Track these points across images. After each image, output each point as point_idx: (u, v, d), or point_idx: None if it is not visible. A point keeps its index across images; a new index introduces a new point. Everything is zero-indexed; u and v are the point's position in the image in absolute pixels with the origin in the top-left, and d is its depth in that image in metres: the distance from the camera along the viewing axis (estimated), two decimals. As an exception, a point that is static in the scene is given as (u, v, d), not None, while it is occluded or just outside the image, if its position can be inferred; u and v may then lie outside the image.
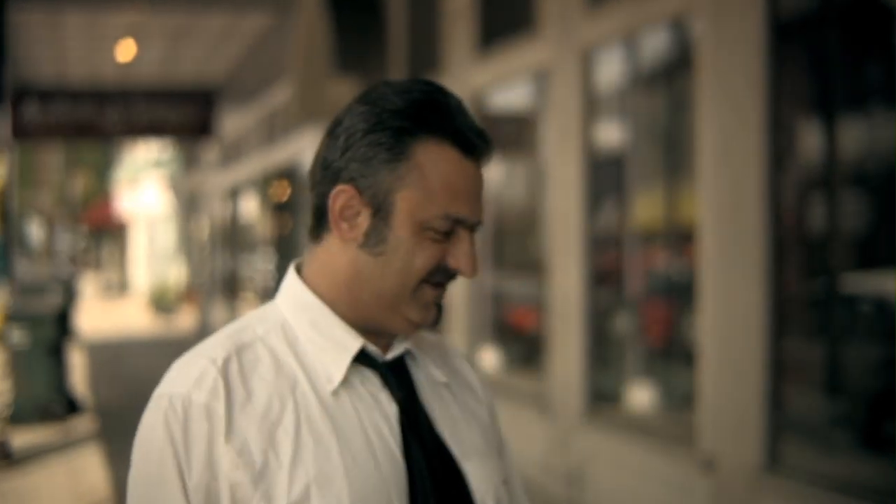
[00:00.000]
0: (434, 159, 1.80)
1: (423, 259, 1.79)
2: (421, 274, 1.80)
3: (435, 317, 1.83)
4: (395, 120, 1.79)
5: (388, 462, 1.80)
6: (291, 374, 1.82)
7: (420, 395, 1.90)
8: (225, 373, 1.81)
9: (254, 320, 1.93)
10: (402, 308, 1.82)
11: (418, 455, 1.83)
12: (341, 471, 1.75)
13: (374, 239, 1.80)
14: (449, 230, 1.81)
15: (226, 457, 1.74)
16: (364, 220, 1.81)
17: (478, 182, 1.88)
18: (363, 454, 1.78)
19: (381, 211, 1.79)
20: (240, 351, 1.86)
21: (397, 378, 1.87)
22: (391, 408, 1.84)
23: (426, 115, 1.80)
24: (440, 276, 1.82)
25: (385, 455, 1.80)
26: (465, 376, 2.05)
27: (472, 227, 1.84)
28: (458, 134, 1.82)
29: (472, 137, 1.84)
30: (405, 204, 1.78)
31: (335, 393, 1.81)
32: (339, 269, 1.86)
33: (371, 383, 1.85)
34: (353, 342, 1.84)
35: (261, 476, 1.73)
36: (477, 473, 1.90)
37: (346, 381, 1.83)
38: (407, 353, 1.91)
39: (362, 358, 1.85)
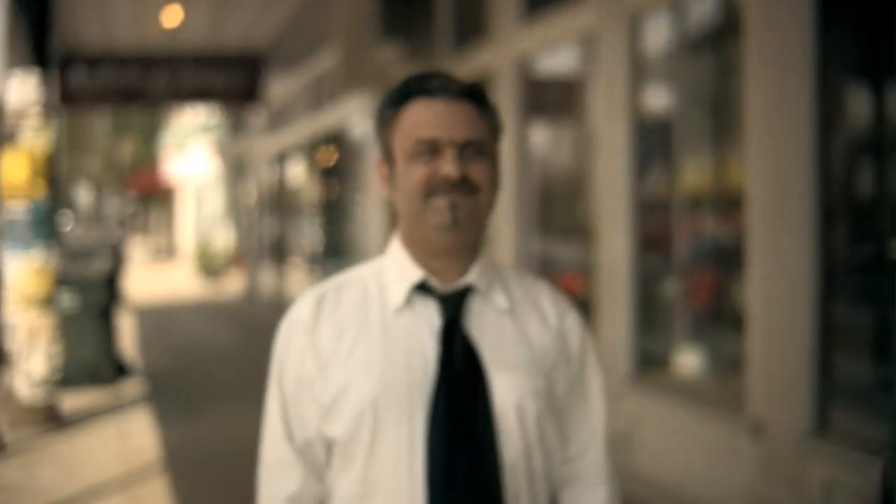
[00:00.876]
0: (409, 110, 2.40)
1: (416, 175, 2.34)
2: (420, 187, 2.34)
3: (451, 220, 2.31)
4: (386, 103, 2.44)
5: (420, 369, 2.33)
6: (371, 299, 2.43)
7: (469, 318, 2.40)
8: (322, 298, 2.47)
9: (363, 267, 2.54)
10: (424, 220, 2.35)
11: (448, 365, 2.31)
12: (377, 372, 2.33)
13: (392, 181, 2.42)
14: (431, 150, 2.35)
15: (308, 350, 2.42)
16: (387, 172, 2.45)
17: (449, 112, 2.38)
18: (400, 361, 2.34)
19: (389, 160, 2.43)
20: (339, 286, 2.49)
21: (451, 304, 2.38)
22: (438, 326, 2.36)
23: (405, 90, 2.42)
24: (440, 185, 2.33)
25: (419, 363, 2.33)
26: (541, 306, 2.50)
27: (457, 146, 2.35)
28: (424, 87, 2.41)
29: (436, 84, 2.41)
30: (397, 146, 2.40)
31: (397, 312, 2.39)
32: (398, 217, 2.44)
33: (428, 307, 2.39)
34: (415, 274, 2.40)
35: (325, 366, 2.39)
36: (505, 384, 2.34)
37: (408, 305, 2.40)
38: (470, 287, 2.41)
39: (425, 289, 2.40)
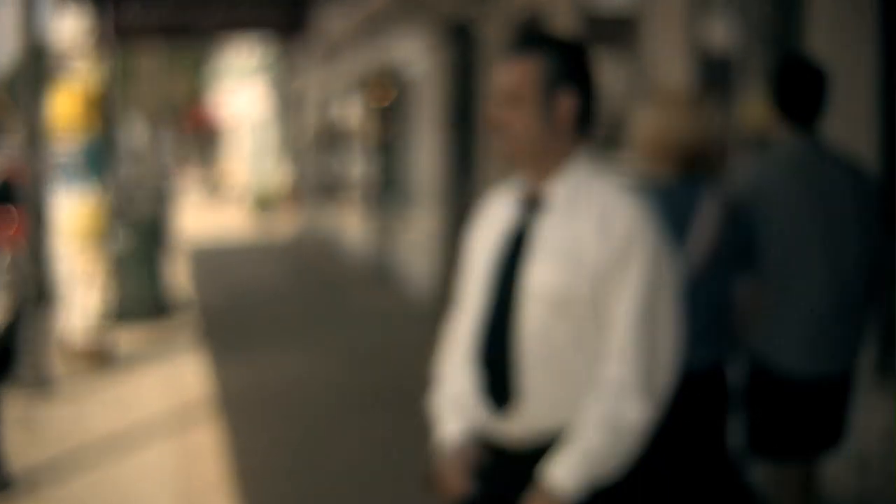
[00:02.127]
0: None
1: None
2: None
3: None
4: None
5: (492, 253, 3.18)
6: (501, 206, 3.25)
7: (540, 221, 3.09)
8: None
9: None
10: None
11: (504, 254, 3.14)
12: (478, 253, 3.26)
13: None
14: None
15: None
16: None
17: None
18: (488, 245, 3.20)
19: None
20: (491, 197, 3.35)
21: (532, 211, 3.12)
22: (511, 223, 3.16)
23: None
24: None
25: (494, 248, 3.18)
26: (611, 223, 3.00)
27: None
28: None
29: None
30: None
31: (502, 215, 3.21)
32: None
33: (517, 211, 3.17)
34: (517, 190, 3.20)
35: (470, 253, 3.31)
36: (541, 271, 3.03)
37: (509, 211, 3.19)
38: (539, 195, 3.12)
39: (521, 202, 3.16)
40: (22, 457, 7.75)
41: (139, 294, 13.42)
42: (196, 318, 14.21)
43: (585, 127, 3.17)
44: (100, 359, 11.05)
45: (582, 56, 3.24)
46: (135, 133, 55.84)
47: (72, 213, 10.98)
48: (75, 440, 8.35)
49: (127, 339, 12.39)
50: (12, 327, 11.39)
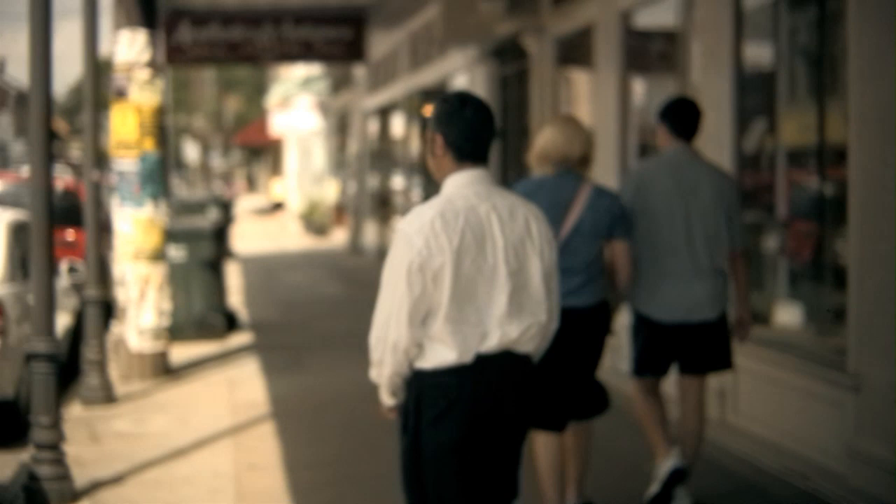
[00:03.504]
0: None
1: None
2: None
3: None
4: None
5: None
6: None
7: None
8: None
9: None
10: None
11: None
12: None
13: None
14: None
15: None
16: None
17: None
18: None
19: None
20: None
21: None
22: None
23: None
24: None
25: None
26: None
27: None
28: None
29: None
30: None
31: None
32: None
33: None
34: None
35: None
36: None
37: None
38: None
39: None
40: (83, 465, 7.96)
41: (196, 307, 13.68)
42: (250, 330, 14.44)
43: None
44: (158, 369, 11.28)
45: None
46: (188, 151, 56.35)
47: (129, 229, 11.22)
48: (135, 449, 8.55)
49: (184, 350, 12.62)
50: (75, 334, 11.68)
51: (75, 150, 79.07)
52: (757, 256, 8.62)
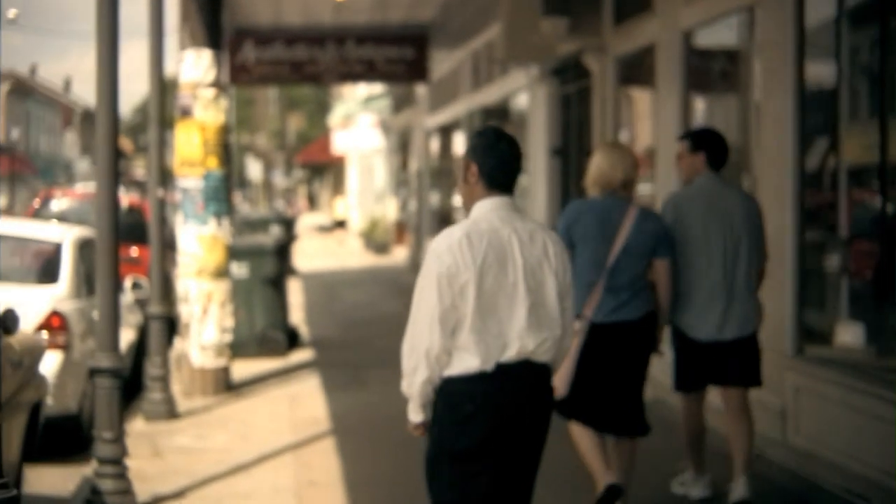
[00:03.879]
0: None
1: None
2: None
3: None
4: None
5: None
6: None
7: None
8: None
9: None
10: None
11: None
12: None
13: None
14: None
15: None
16: None
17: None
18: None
19: None
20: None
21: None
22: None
23: None
24: None
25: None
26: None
27: None
28: None
29: None
30: None
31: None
32: None
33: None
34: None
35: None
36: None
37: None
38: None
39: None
40: (145, 480, 8.04)
41: (258, 323, 13.78)
42: (311, 347, 14.52)
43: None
44: (220, 385, 11.37)
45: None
46: (251, 170, 56.76)
47: (193, 246, 11.33)
48: (196, 464, 8.62)
49: (246, 366, 12.71)
50: (138, 349, 11.80)
51: (139, 168, 79.94)
52: (819, 275, 8.57)
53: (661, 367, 10.78)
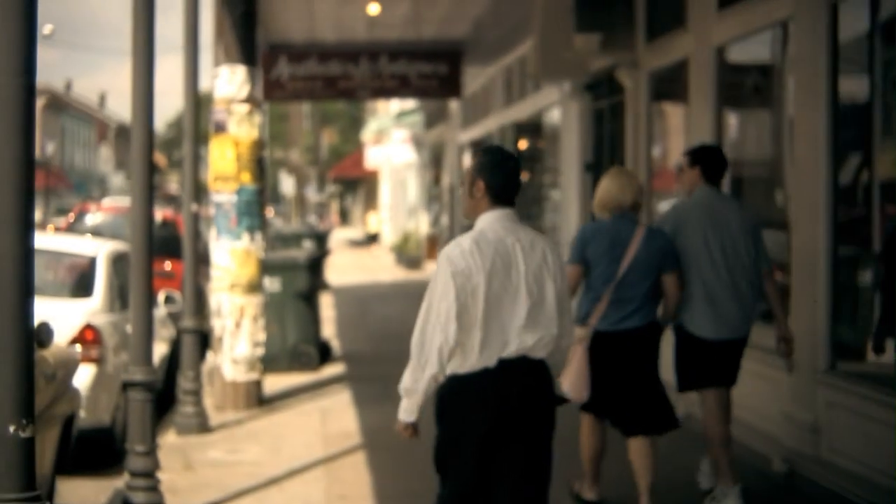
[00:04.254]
0: None
1: None
2: None
3: None
4: None
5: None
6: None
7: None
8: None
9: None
10: None
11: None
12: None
13: None
14: None
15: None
16: None
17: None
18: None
19: None
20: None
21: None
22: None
23: None
24: None
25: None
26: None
27: None
28: None
29: None
30: None
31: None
32: None
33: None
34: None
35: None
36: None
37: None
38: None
39: None
40: (177, 493, 8.07)
41: (290, 338, 13.82)
42: (343, 361, 14.54)
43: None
44: (252, 399, 11.40)
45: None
46: (285, 185, 56.99)
47: (226, 260, 11.38)
48: (228, 477, 8.65)
49: (278, 380, 12.75)
50: (171, 363, 11.86)
51: (173, 183, 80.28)
52: (852, 290, 8.54)
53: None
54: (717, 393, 7.66)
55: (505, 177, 5.15)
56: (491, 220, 5.12)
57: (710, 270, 7.53)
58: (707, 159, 7.88)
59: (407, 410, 5.18)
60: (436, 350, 4.94)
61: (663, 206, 12.10)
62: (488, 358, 4.99)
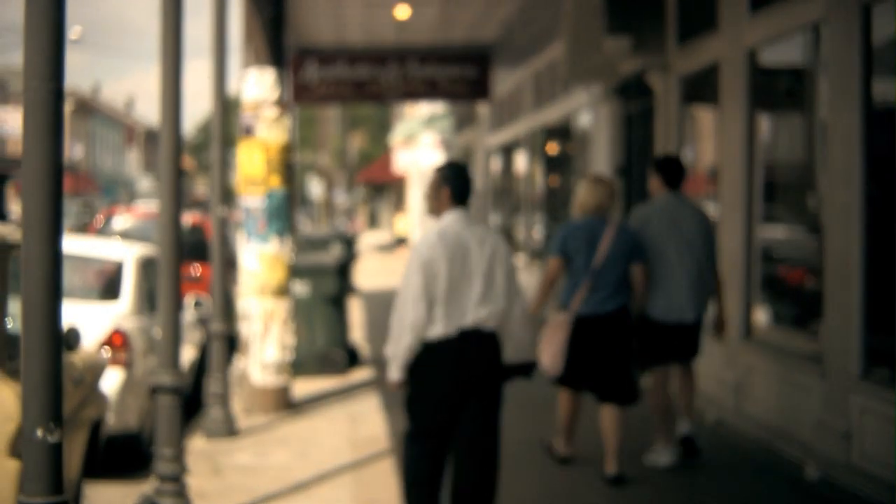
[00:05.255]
0: None
1: None
2: None
3: None
4: None
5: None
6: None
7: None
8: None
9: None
10: None
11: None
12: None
13: None
14: None
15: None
16: None
17: None
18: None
19: None
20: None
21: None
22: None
23: None
24: None
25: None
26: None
27: None
28: None
29: None
30: None
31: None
32: None
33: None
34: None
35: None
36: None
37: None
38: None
39: None
40: (205, 497, 8.06)
41: (318, 342, 13.81)
42: (371, 366, 14.52)
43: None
44: (280, 403, 11.39)
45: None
46: (313, 189, 57.13)
47: (255, 264, 11.38)
48: (256, 482, 8.64)
49: (306, 385, 12.74)
50: (199, 367, 11.85)
51: (201, 187, 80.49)
52: (886, 295, 8.44)
53: (726, 391, 10.68)
54: (664, 370, 9.09)
55: (465, 185, 6.63)
56: (452, 219, 6.56)
57: (668, 263, 8.93)
58: (666, 168, 9.25)
59: (394, 371, 6.46)
60: (409, 326, 6.31)
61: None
62: (450, 327, 6.35)
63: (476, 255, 6.43)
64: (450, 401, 6.40)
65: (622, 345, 8.67)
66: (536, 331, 7.57)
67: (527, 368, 6.80)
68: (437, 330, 6.33)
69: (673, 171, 9.22)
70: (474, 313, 6.35)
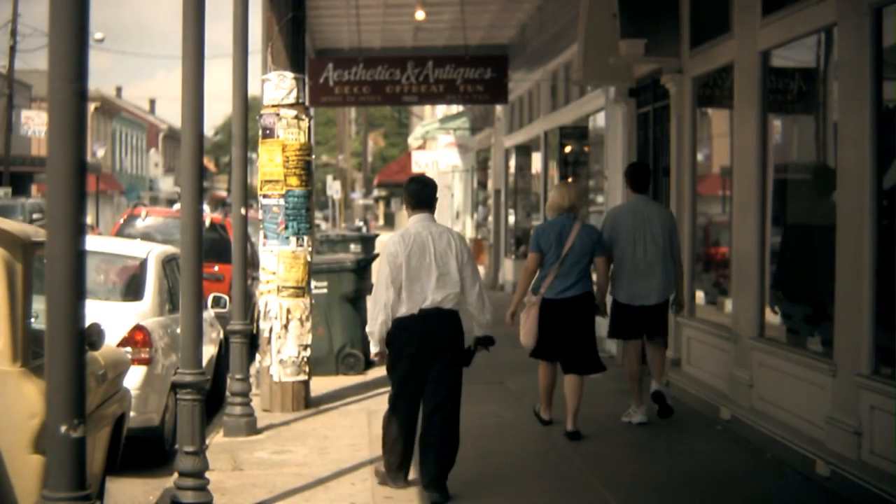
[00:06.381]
0: None
1: None
2: None
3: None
4: None
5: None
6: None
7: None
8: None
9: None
10: None
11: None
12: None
13: None
14: None
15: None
16: None
17: None
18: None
19: None
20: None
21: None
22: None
23: None
24: None
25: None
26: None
27: None
28: None
29: None
30: None
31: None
32: None
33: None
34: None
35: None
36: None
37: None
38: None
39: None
40: (225, 493, 8.19)
41: (337, 341, 13.92)
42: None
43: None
44: (299, 401, 11.50)
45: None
46: (331, 189, 57.22)
47: (274, 263, 11.49)
48: (276, 477, 8.76)
49: (324, 382, 12.84)
50: (219, 364, 11.97)
51: (222, 186, 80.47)
52: (895, 296, 8.53)
53: (739, 389, 10.74)
54: (634, 343, 10.77)
55: (429, 195, 8.32)
56: (414, 221, 8.18)
57: (634, 256, 10.52)
58: (632, 174, 11.03)
59: (374, 345, 8.11)
60: (381, 305, 7.94)
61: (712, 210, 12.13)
62: (413, 307, 7.97)
63: (433, 250, 8.01)
64: (418, 363, 8.00)
65: (585, 324, 10.19)
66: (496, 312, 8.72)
67: (486, 342, 8.30)
68: (403, 310, 7.97)
69: (638, 177, 10.94)
70: (432, 296, 7.95)
